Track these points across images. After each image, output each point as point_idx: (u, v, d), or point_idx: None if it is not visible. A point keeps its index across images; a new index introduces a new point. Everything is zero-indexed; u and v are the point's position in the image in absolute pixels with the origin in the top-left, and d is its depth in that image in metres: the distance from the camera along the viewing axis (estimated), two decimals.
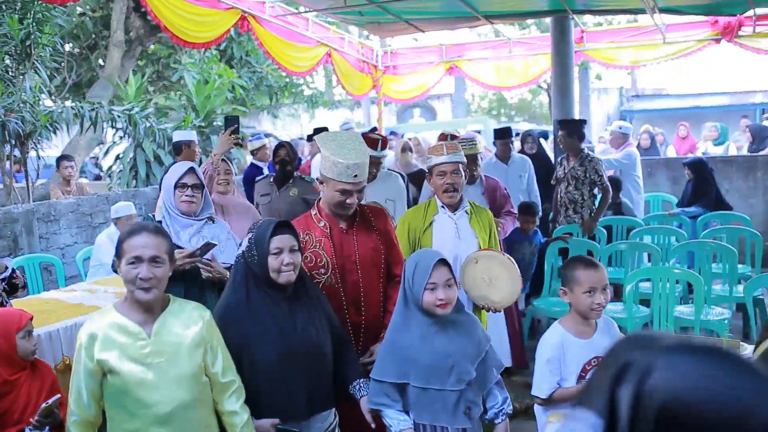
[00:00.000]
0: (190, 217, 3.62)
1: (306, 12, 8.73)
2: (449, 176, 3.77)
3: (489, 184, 5.30)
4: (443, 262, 2.72)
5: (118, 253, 2.44)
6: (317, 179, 3.21)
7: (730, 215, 7.19)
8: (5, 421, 2.93)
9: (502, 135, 7.05)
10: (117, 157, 10.87)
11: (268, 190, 5.67)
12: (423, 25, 9.39)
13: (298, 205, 5.48)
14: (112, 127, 9.00)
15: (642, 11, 8.38)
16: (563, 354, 2.89)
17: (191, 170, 3.60)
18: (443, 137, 5.41)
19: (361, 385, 2.88)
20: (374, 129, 10.45)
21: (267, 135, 14.13)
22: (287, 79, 15.46)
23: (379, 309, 3.29)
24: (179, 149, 6.47)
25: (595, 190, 6.61)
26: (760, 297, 5.41)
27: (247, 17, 7.48)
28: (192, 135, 6.74)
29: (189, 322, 2.53)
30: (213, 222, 3.73)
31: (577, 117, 8.99)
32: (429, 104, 24.81)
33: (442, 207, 3.85)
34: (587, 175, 6.53)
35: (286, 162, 5.57)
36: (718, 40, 9.11)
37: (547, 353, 2.92)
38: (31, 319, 3.12)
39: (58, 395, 2.95)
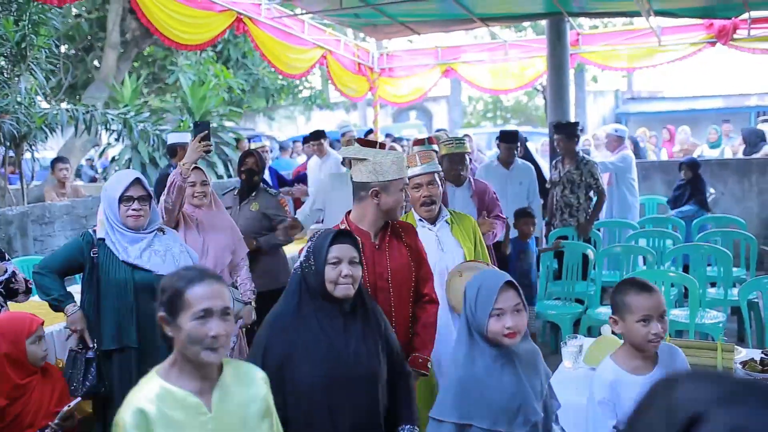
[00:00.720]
0: (138, 231, 3.33)
1: (302, 14, 8.73)
2: (425, 188, 3.59)
3: (478, 187, 5.05)
4: (510, 284, 2.40)
5: (174, 308, 1.94)
6: (372, 191, 2.98)
7: (725, 218, 7.21)
8: (17, 425, 2.96)
9: (508, 138, 6.69)
10: (112, 159, 10.87)
11: (230, 203, 5.23)
12: (418, 27, 9.39)
13: (257, 221, 5.13)
14: (107, 130, 8.99)
15: (637, 14, 8.40)
16: (617, 395, 2.52)
17: (137, 181, 3.28)
18: (418, 142, 5.26)
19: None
20: (370, 131, 10.44)
21: (268, 137, 14.14)
22: (284, 82, 15.46)
23: (408, 330, 3.11)
24: (174, 151, 6.48)
25: (591, 193, 6.61)
26: (755, 300, 5.42)
27: (242, 19, 7.46)
28: (187, 137, 6.73)
29: (250, 388, 2.06)
30: (163, 233, 3.45)
31: (572, 119, 8.99)
32: (425, 106, 24.83)
33: (420, 220, 3.67)
34: (583, 178, 6.53)
35: (254, 172, 5.17)
36: (713, 43, 9.14)
37: (598, 394, 2.56)
38: (42, 324, 3.12)
39: (78, 399, 3.02)
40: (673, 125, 13.67)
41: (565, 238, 6.40)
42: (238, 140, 11.97)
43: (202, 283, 1.95)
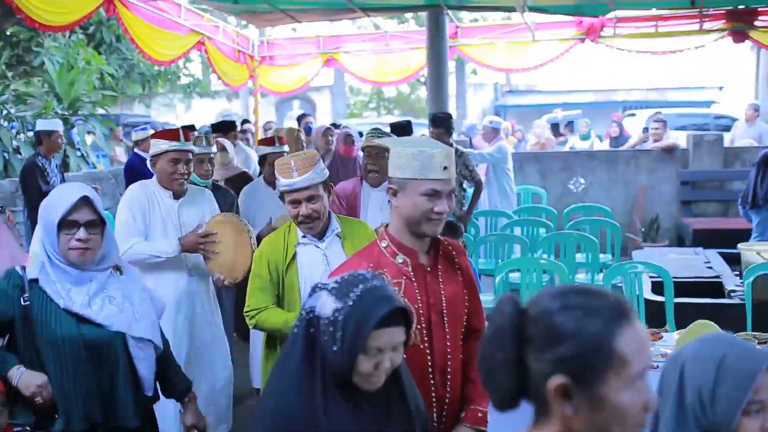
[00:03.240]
0: (86, 269, 2.47)
1: None
2: (303, 206, 2.94)
3: None
4: None
5: (591, 369, 1.23)
6: (389, 188, 2.31)
7: (594, 207, 7.57)
8: None
9: (399, 132, 5.93)
10: None
11: None
12: (300, 15, 9.29)
13: None
14: None
15: (513, 9, 8.67)
16: None
17: (84, 201, 2.43)
18: (264, 141, 4.83)
19: None
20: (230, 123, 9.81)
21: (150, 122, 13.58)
22: (161, 68, 14.89)
23: (461, 377, 2.46)
24: (39, 140, 6.20)
25: (464, 184, 6.73)
26: (619, 284, 5.72)
27: (113, 0, 7.11)
28: (55, 124, 6.45)
29: None
30: (120, 273, 2.59)
31: (453, 111, 9.16)
32: (308, 96, 24.65)
33: (304, 236, 3.03)
34: (458, 170, 6.62)
35: None
36: (582, 40, 9.59)
37: None
38: None
39: None
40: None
41: None
42: (111, 129, 11.43)
43: (635, 324, 1.24)
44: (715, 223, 8.20)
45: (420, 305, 2.28)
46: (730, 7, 9.04)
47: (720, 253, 5.81)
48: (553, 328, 1.22)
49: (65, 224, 2.39)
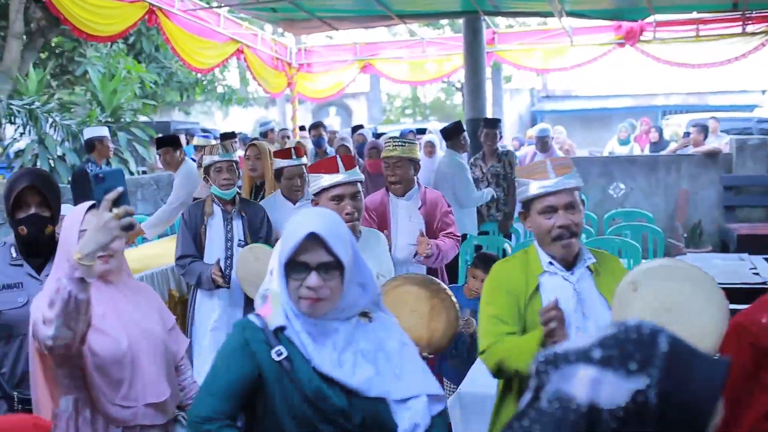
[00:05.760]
0: (324, 316, 1.89)
1: (217, 7, 8.55)
2: (561, 215, 2.33)
3: (429, 198, 4.19)
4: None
5: None
6: None
7: (635, 213, 7.49)
8: None
9: (451, 134, 6.44)
10: (16, 154, 10.35)
11: None
12: (336, 23, 9.35)
13: None
14: (11, 122, 8.56)
15: (550, 14, 8.62)
16: None
17: (313, 238, 1.83)
18: (280, 154, 4.41)
19: None
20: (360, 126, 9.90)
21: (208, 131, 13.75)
22: (198, 76, 15.12)
23: None
24: (92, 146, 6.38)
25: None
26: None
27: (155, 10, 7.26)
28: (104, 131, 6.61)
29: None
30: (369, 320, 2.00)
31: (489, 116, 9.14)
32: (344, 103, 24.80)
33: (551, 263, 2.39)
34: (506, 169, 6.63)
35: None
36: (622, 44, 9.48)
37: None
38: None
39: None
40: (586, 123, 14.10)
41: (487, 233, 6.51)
42: (151, 137, 11.62)
43: None
44: (761, 228, 8.02)
45: None
46: None
47: (766, 259, 5.68)
48: None
49: (293, 266, 1.85)
